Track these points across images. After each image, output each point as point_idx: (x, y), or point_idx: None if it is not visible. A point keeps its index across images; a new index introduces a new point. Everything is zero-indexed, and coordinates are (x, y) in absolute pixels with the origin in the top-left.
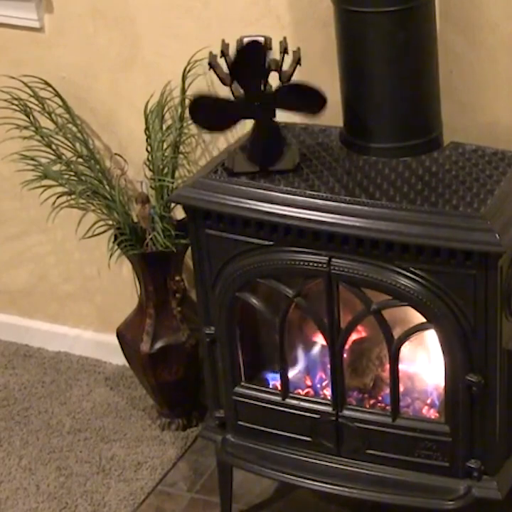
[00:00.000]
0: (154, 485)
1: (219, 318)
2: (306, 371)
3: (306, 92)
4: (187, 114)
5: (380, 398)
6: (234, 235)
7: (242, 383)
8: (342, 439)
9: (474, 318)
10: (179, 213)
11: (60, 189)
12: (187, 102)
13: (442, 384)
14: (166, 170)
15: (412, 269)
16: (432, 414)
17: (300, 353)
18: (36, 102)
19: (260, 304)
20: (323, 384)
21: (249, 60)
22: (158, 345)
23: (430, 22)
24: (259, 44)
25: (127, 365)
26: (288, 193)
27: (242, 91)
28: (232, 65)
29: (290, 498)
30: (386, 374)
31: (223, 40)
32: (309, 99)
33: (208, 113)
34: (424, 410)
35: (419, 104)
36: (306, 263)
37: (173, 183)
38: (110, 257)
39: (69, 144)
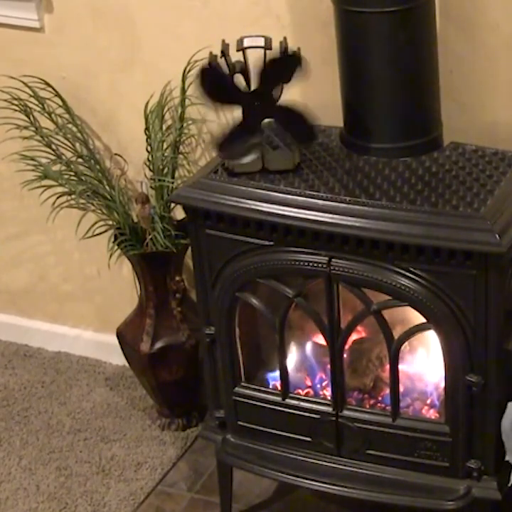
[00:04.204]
0: (154, 485)
1: (219, 318)
2: (306, 371)
3: (302, 123)
4: (187, 114)
5: (380, 398)
6: (234, 235)
7: (242, 383)
8: (342, 439)
9: (474, 318)
10: (179, 213)
11: (60, 189)
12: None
13: (442, 384)
14: (166, 170)
15: (412, 269)
16: (432, 414)
17: (300, 353)
18: (36, 102)
19: (260, 304)
20: (323, 384)
21: (280, 68)
22: (158, 345)
23: (430, 22)
24: (297, 57)
25: (127, 365)
26: (288, 193)
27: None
28: (273, 62)
29: (290, 498)
30: (386, 374)
31: (223, 40)
32: (301, 130)
33: (213, 83)
34: (424, 410)
35: (419, 104)
36: (305, 263)
37: (173, 183)
38: (110, 257)
39: (69, 144)
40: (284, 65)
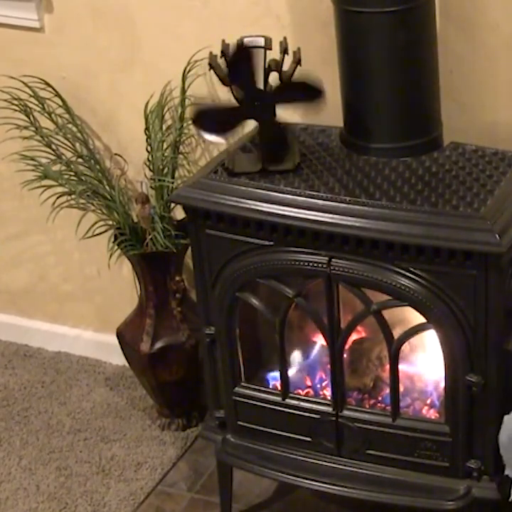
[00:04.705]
0: (154, 485)
1: (219, 318)
2: (306, 371)
3: (304, 88)
4: (187, 114)
5: (380, 398)
6: (234, 235)
7: (242, 383)
8: (342, 439)
9: (474, 318)
10: (179, 213)
11: (60, 189)
12: (187, 109)
13: (442, 384)
14: (166, 170)
15: (412, 270)
16: (432, 414)
17: (300, 353)
18: (36, 102)
19: (260, 304)
20: (323, 384)
21: (246, 63)
22: (158, 345)
23: (430, 22)
24: (254, 47)
25: (127, 365)
26: (288, 193)
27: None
28: (230, 68)
29: (290, 498)
30: (386, 374)
31: (223, 40)
32: (307, 94)
33: (212, 121)
34: (424, 410)
35: (419, 104)
36: (305, 263)
37: (173, 183)
38: (110, 257)
39: (69, 144)
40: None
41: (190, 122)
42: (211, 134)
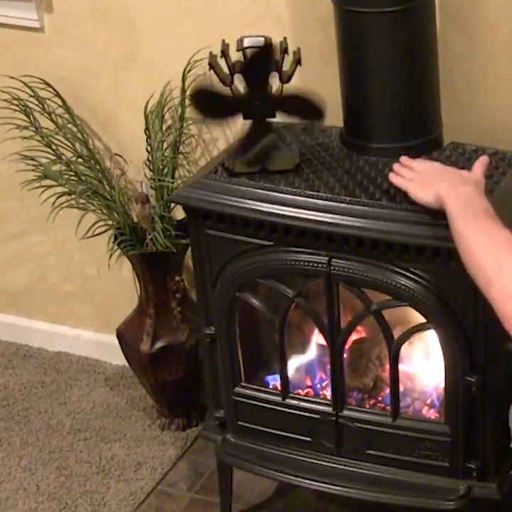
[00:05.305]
0: (154, 485)
1: (219, 318)
2: (306, 371)
3: (307, 103)
4: (187, 114)
5: (380, 398)
6: (234, 235)
7: (242, 383)
8: (342, 439)
9: (474, 318)
10: (179, 213)
11: (60, 189)
12: (188, 91)
13: (442, 384)
14: (166, 170)
15: (412, 269)
16: (432, 414)
17: (300, 353)
18: (36, 102)
19: (260, 304)
20: (323, 384)
21: (261, 62)
22: (158, 345)
23: (430, 22)
24: (270, 48)
25: (127, 365)
26: (288, 193)
27: (242, 90)
28: (247, 61)
29: (290, 498)
30: (386, 374)
31: (223, 40)
32: (308, 111)
33: (209, 102)
34: (424, 410)
35: (419, 104)
36: (306, 263)
37: (173, 183)
38: (110, 257)
39: (69, 144)
40: (262, 57)
41: (190, 122)
42: (206, 115)
